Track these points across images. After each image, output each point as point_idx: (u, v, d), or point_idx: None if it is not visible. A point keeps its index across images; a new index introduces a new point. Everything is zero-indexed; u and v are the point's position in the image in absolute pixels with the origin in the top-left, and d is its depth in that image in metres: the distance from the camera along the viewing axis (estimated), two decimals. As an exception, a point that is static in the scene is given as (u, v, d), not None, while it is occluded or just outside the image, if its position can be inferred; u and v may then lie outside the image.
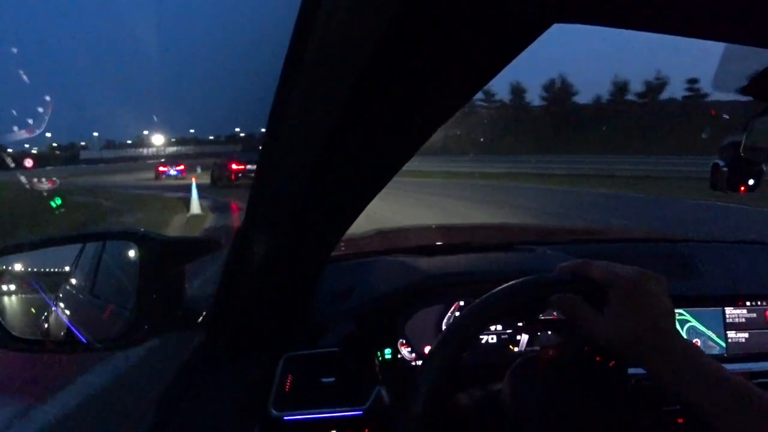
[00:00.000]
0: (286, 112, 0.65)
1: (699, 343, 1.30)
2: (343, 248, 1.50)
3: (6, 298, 1.07)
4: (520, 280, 0.81)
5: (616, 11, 0.48)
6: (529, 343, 1.29)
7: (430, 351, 0.79)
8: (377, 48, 0.48)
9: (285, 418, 1.01)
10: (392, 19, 0.45)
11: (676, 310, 1.29)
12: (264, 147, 0.74)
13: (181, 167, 35.77)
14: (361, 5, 0.48)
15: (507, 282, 0.82)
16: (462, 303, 1.27)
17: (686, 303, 1.33)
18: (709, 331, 1.32)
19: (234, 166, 21.08)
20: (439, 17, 0.46)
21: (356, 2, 0.48)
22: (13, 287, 1.12)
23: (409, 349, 1.26)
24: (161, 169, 36.21)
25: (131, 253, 1.00)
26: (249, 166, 19.89)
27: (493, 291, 0.80)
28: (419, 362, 1.25)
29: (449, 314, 1.27)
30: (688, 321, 1.32)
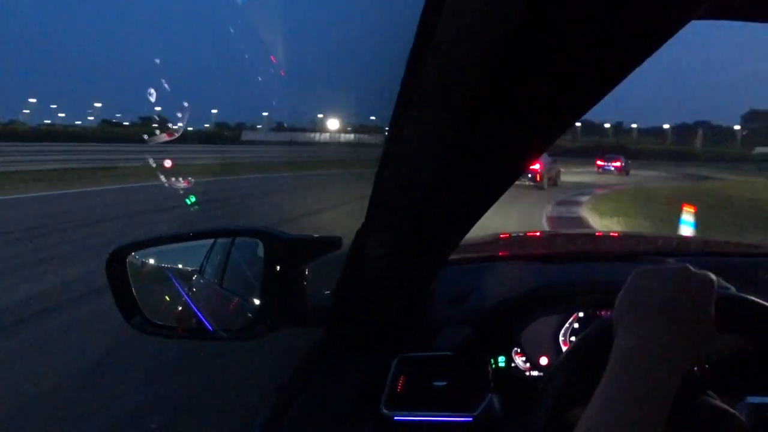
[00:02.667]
0: (409, 113, 0.64)
1: None
2: (462, 251, 1.48)
3: (145, 287, 1.15)
4: None
5: (759, 4, 0.43)
6: None
7: (555, 364, 0.75)
8: (505, 45, 0.46)
9: (395, 418, 1.01)
10: (523, 15, 0.43)
11: None
12: (386, 147, 0.74)
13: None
14: (489, 3, 0.46)
15: None
16: (581, 314, 1.21)
17: None
18: None
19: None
20: (572, 14, 0.44)
21: (484, 3, 0.47)
22: (152, 277, 1.21)
23: (524, 358, 1.22)
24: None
25: (257, 250, 1.05)
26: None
27: None
28: (534, 373, 1.21)
29: (567, 325, 1.21)
30: None
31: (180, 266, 1.29)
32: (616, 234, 2.98)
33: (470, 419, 1.01)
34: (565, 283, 1.28)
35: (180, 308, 1.30)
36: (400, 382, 1.07)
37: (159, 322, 1.13)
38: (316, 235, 1.02)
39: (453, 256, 1.36)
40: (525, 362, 1.22)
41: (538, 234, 2.20)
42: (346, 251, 1.01)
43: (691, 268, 0.71)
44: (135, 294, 1.09)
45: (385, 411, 1.02)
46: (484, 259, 1.48)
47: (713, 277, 0.71)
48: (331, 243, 1.01)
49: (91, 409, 2.97)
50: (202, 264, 1.37)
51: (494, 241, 1.76)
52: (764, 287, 1.26)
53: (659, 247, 1.81)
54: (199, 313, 1.26)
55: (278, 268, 1.00)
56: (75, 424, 2.86)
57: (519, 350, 1.22)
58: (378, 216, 0.89)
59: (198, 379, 3.21)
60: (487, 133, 0.62)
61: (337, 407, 1.06)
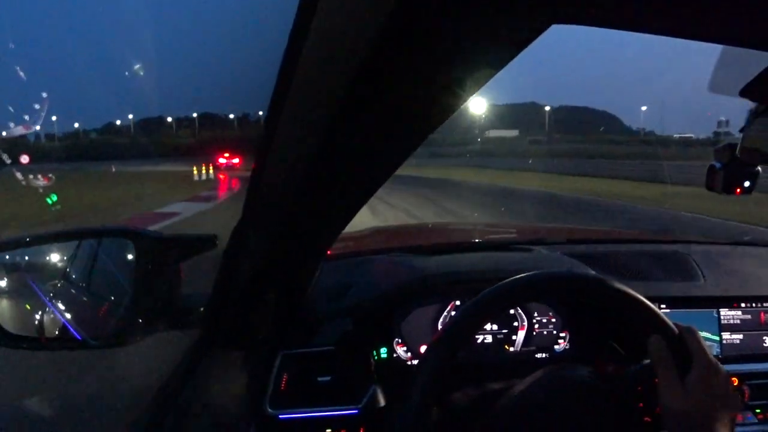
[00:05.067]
0: (283, 111, 0.65)
1: None
2: (340, 246, 1.50)
3: (1, 296, 1.07)
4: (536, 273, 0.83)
5: (618, 12, 0.48)
6: (525, 343, 1.29)
7: (428, 346, 0.79)
8: (373, 47, 0.48)
9: (280, 416, 1.01)
10: (388, 20, 0.45)
11: (668, 310, 1.31)
12: (260, 145, 0.74)
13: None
14: (357, 6, 0.48)
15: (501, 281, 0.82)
16: (458, 303, 1.28)
17: (681, 304, 1.33)
18: (704, 332, 1.33)
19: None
20: (436, 18, 0.46)
21: (351, 4, 0.48)
22: (8, 284, 1.12)
23: (405, 348, 1.26)
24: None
25: (127, 250, 1.00)
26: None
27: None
28: (415, 361, 1.25)
29: (445, 314, 1.27)
30: None
31: (41, 271, 1.21)
32: (489, 225, 3.15)
33: (356, 411, 1.03)
34: (441, 273, 1.34)
35: (43, 316, 1.21)
36: (284, 380, 1.07)
37: (19, 333, 1.05)
38: (189, 234, 0.99)
39: (332, 251, 1.37)
40: (406, 352, 1.26)
41: (415, 226, 2.27)
42: (223, 249, 0.99)
43: None
44: None
45: (270, 410, 1.02)
46: (362, 252, 1.51)
47: None
48: (206, 241, 0.99)
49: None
50: (66, 268, 1.29)
51: (372, 234, 1.80)
52: (626, 271, 1.41)
53: (529, 236, 1.93)
54: (64, 321, 1.18)
55: (150, 268, 0.96)
56: None
57: (400, 340, 1.26)
58: (255, 212, 0.89)
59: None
60: (360, 129, 0.63)
61: (220, 410, 1.04)
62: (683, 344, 0.79)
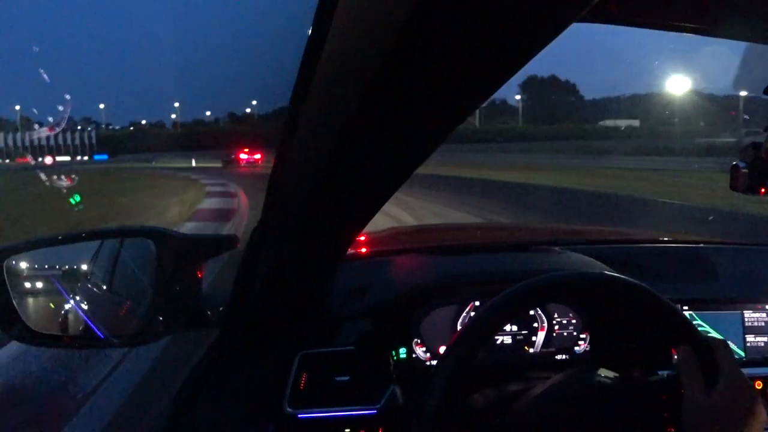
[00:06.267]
0: (302, 110, 0.65)
1: None
2: (359, 246, 1.50)
3: (26, 294, 1.08)
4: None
5: (639, 10, 0.48)
6: (545, 344, 1.29)
7: (447, 347, 0.79)
8: (393, 45, 0.48)
9: (299, 415, 1.02)
10: (409, 17, 0.45)
11: (691, 313, 1.29)
12: (280, 145, 0.74)
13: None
14: (378, 4, 0.48)
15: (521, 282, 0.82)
16: (477, 303, 1.27)
17: (705, 306, 1.32)
18: (728, 335, 1.31)
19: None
20: (457, 16, 0.46)
21: (372, 3, 0.48)
22: (32, 283, 1.13)
23: (424, 348, 1.26)
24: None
25: (148, 250, 1.01)
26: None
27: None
28: (434, 362, 1.25)
29: (464, 314, 1.27)
30: (703, 328, 1.31)
31: (64, 270, 1.22)
32: (508, 225, 3.14)
33: (374, 412, 1.04)
34: (460, 273, 1.33)
35: (66, 315, 1.23)
36: (303, 380, 1.07)
37: (43, 331, 1.06)
38: (210, 234, 1.00)
39: (351, 251, 1.38)
40: (425, 352, 1.26)
41: (434, 227, 2.27)
42: (242, 250, 1.00)
43: None
44: (14, 301, 1.02)
45: (289, 409, 1.02)
46: (381, 253, 1.51)
47: None
48: (226, 241, 1.00)
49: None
50: (88, 267, 1.30)
51: (391, 234, 1.80)
52: (647, 271, 1.39)
53: (548, 237, 1.92)
54: (87, 320, 1.20)
55: (171, 268, 0.97)
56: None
57: (419, 341, 1.26)
58: (274, 212, 0.89)
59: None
60: (378, 131, 0.63)
61: (239, 409, 1.05)
62: (712, 357, 0.78)
